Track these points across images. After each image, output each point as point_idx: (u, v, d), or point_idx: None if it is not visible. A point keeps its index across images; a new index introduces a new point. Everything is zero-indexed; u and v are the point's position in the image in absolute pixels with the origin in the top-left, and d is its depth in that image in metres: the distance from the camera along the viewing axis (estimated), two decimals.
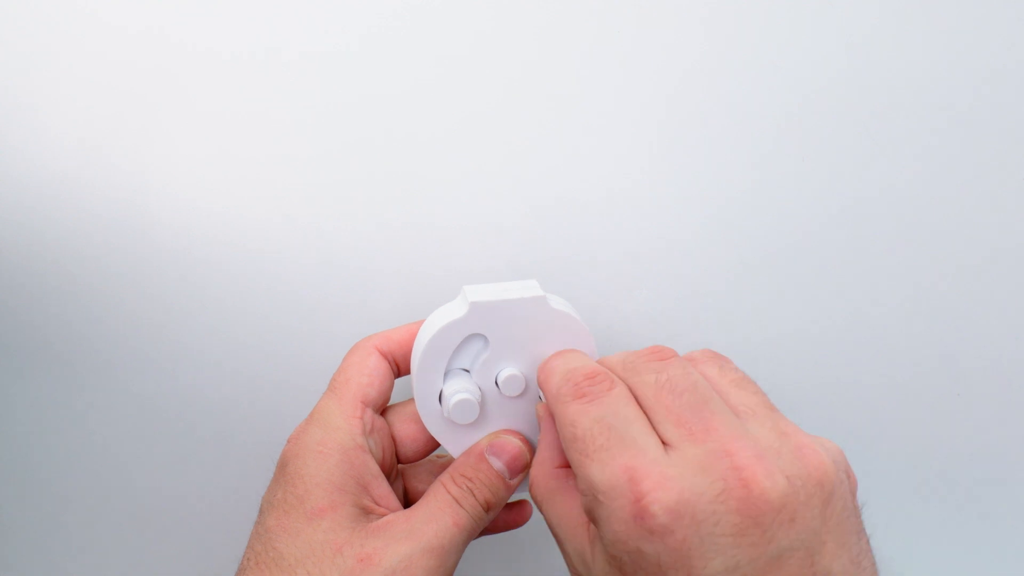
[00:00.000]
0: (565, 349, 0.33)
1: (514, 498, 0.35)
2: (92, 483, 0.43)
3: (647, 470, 0.24)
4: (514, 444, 0.33)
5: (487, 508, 0.32)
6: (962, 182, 0.39)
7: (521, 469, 0.33)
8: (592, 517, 0.26)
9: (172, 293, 0.40)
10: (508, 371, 0.33)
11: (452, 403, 0.32)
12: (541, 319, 0.33)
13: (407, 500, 0.36)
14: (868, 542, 0.26)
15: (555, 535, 0.30)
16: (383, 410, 0.35)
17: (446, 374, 0.33)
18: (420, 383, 0.33)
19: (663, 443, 0.26)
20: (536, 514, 0.38)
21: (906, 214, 0.39)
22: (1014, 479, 0.43)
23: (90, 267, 0.39)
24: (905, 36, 0.37)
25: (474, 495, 0.32)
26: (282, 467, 0.32)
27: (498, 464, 0.33)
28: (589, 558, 0.27)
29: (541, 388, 0.32)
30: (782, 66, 0.37)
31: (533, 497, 0.31)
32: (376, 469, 0.32)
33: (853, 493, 0.26)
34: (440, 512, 0.31)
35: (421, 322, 0.34)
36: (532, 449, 0.34)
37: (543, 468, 0.31)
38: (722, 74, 0.37)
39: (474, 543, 0.34)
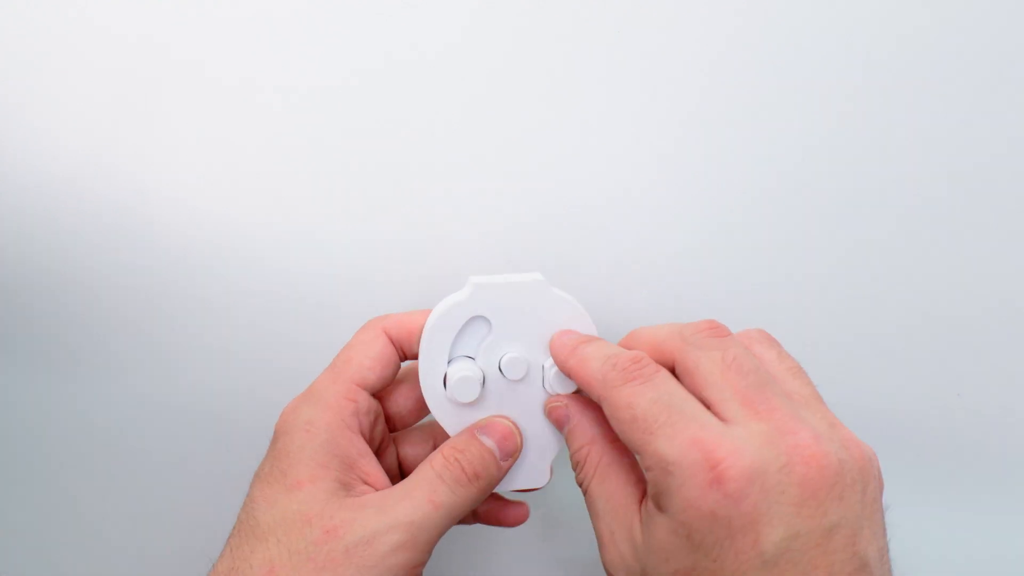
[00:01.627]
0: (586, 335, 0.33)
1: (522, 485, 0.35)
2: (92, 481, 0.43)
3: (717, 440, 0.26)
4: (504, 424, 0.34)
5: (475, 479, 0.32)
6: (963, 182, 0.39)
7: (512, 451, 0.33)
8: (658, 490, 0.27)
9: (173, 293, 0.40)
10: (511, 354, 0.33)
11: (453, 381, 0.33)
12: (543, 303, 0.33)
13: (403, 471, 0.36)
14: (887, 542, 0.28)
15: (599, 512, 0.30)
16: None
17: (451, 360, 0.34)
18: (425, 365, 0.33)
19: (723, 419, 0.27)
20: (534, 513, 0.38)
21: (907, 216, 0.39)
22: (1014, 479, 0.43)
23: (91, 267, 0.39)
24: (910, 39, 0.37)
25: (461, 465, 0.32)
26: (273, 442, 0.32)
27: (489, 442, 0.33)
28: (639, 535, 0.28)
29: (573, 374, 0.32)
30: (788, 70, 0.37)
31: (584, 474, 0.31)
32: (364, 448, 0.32)
33: (882, 492, 0.28)
34: (417, 489, 0.31)
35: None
36: (521, 434, 0.34)
37: (597, 445, 0.31)
38: (728, 77, 0.37)
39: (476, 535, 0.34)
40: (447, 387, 0.33)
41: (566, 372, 0.32)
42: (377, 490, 0.32)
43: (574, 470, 0.32)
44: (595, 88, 0.38)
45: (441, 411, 0.34)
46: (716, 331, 0.30)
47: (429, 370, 0.34)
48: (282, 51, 0.37)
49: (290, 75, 0.37)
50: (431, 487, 0.31)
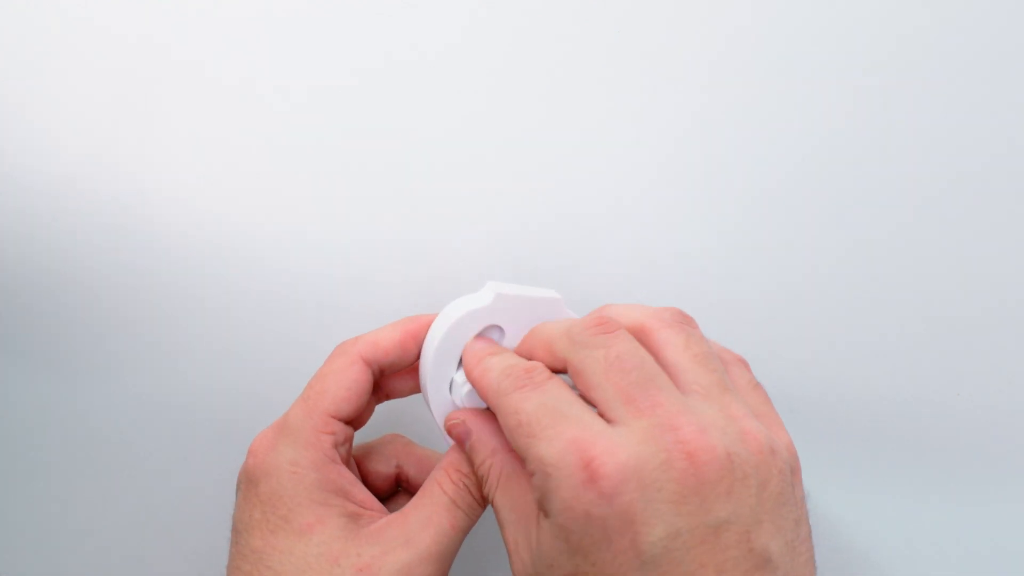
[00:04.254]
0: (497, 348, 0.32)
1: None
2: (92, 481, 0.43)
3: (594, 439, 0.25)
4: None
5: (483, 502, 0.32)
6: (963, 182, 0.39)
7: None
8: (540, 493, 0.26)
9: (173, 293, 0.40)
10: None
11: (466, 391, 0.32)
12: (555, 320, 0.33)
13: (365, 481, 0.35)
14: (809, 533, 0.27)
15: (504, 522, 0.29)
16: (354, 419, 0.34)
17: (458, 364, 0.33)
18: (434, 369, 0.33)
19: (608, 421, 0.26)
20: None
21: (907, 216, 0.39)
22: (1014, 478, 0.43)
23: (91, 267, 0.39)
24: (913, 39, 0.37)
25: (470, 491, 0.31)
26: (251, 484, 0.31)
27: None
28: (535, 541, 0.27)
29: (475, 384, 0.31)
30: (790, 71, 0.37)
31: (488, 487, 0.31)
32: (351, 476, 0.32)
33: (795, 484, 0.27)
34: (437, 516, 0.30)
35: (406, 320, 0.34)
36: None
37: (499, 456, 0.30)
38: (730, 77, 0.37)
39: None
40: (458, 397, 0.33)
41: (471, 381, 0.32)
42: (373, 511, 0.31)
43: (480, 484, 0.31)
44: (596, 88, 0.38)
45: (443, 418, 0.33)
46: (603, 327, 0.28)
47: (436, 373, 0.33)
48: (282, 51, 0.37)
49: (290, 75, 0.37)
50: (449, 513, 0.30)
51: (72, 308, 0.40)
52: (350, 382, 0.32)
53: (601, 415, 0.27)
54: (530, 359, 0.31)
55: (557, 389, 0.28)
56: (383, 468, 0.35)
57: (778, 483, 0.26)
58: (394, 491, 0.37)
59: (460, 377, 0.33)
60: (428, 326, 0.33)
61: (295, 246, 0.39)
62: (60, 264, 0.39)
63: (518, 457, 0.30)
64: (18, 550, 0.44)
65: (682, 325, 0.30)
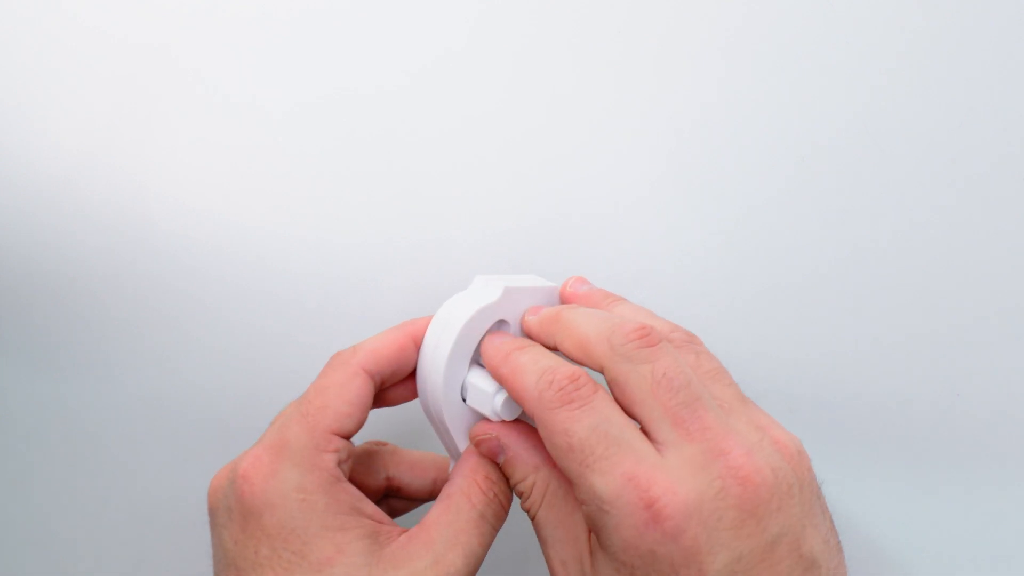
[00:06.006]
0: (520, 342, 0.31)
1: None
2: (91, 482, 0.43)
3: (652, 475, 0.25)
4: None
5: (507, 510, 0.30)
6: (963, 183, 0.39)
7: None
8: (596, 526, 0.26)
9: (173, 294, 0.40)
10: None
11: (499, 402, 0.30)
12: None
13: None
14: (831, 519, 0.28)
15: (549, 540, 0.29)
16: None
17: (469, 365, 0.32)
18: (447, 373, 0.30)
19: (655, 442, 0.26)
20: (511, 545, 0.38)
21: (908, 216, 0.40)
22: (1013, 478, 0.43)
23: (90, 267, 0.39)
24: (926, 49, 0.37)
25: (500, 501, 0.30)
26: (251, 516, 0.28)
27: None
28: (589, 567, 0.27)
29: (505, 383, 0.29)
30: (793, 72, 0.37)
31: (530, 503, 0.30)
32: (358, 492, 0.30)
33: (814, 480, 0.28)
34: (465, 533, 0.29)
35: (404, 325, 0.32)
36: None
37: (542, 472, 0.29)
38: (732, 77, 0.37)
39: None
40: (491, 409, 0.30)
41: (500, 380, 0.30)
42: (384, 523, 0.30)
43: (519, 497, 0.30)
44: (596, 90, 0.38)
45: (456, 423, 0.31)
46: (646, 339, 0.27)
47: (450, 379, 0.30)
48: (282, 53, 0.37)
49: (289, 76, 0.37)
50: (478, 529, 0.29)
51: (72, 308, 0.40)
52: (352, 396, 0.30)
53: (644, 431, 0.27)
54: (549, 347, 0.30)
55: (605, 408, 0.27)
56: (371, 481, 0.34)
57: (809, 483, 0.27)
58: (382, 497, 0.35)
59: (473, 378, 0.31)
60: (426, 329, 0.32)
61: (294, 247, 0.39)
62: (59, 264, 0.39)
63: (564, 474, 0.29)
64: (17, 550, 0.44)
65: (690, 344, 0.30)
